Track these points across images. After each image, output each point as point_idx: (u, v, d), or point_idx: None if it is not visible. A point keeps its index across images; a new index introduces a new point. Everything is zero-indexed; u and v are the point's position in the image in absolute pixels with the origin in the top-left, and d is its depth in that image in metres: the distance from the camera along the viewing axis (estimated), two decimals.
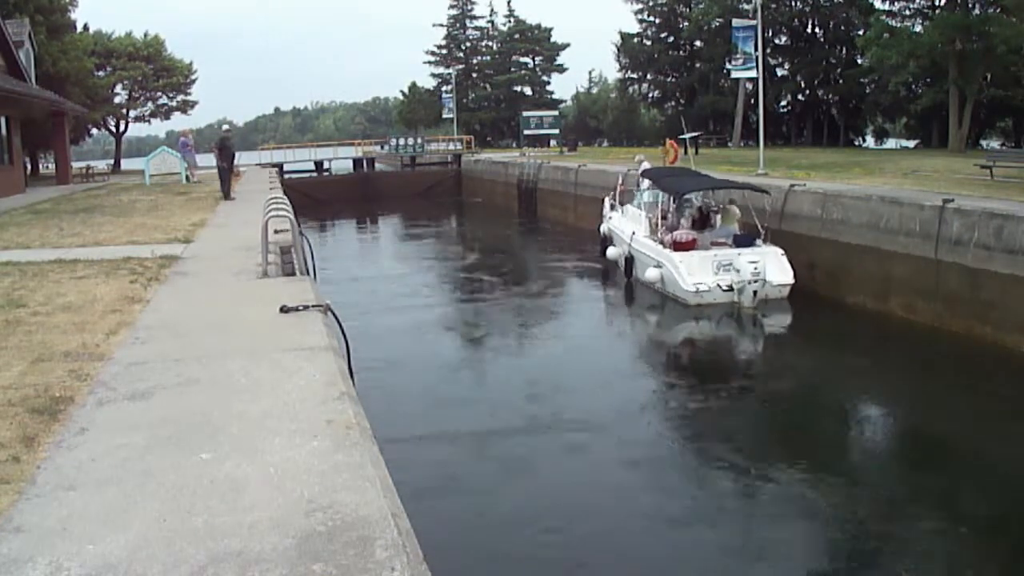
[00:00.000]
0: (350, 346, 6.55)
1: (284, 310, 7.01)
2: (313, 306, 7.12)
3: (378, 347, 13.38)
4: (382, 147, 53.02)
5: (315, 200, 41.53)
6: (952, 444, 9.73)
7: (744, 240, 17.30)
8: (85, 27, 46.10)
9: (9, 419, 4.64)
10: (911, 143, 50.93)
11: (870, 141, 55.46)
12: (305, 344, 6.04)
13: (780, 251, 16.87)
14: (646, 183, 21.11)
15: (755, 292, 15.80)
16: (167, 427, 4.46)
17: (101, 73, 46.69)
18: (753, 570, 6.88)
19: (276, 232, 10.53)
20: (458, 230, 36.69)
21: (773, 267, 16.28)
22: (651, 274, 17.34)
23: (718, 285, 16.08)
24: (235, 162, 21.86)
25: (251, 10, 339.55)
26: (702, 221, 18.77)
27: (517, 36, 68.61)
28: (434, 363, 13.24)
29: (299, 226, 10.60)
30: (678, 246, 17.16)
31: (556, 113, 56.97)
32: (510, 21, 69.27)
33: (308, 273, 10.32)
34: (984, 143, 43.09)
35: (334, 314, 6.94)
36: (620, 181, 23.72)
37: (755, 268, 15.88)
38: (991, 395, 11.24)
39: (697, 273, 16.31)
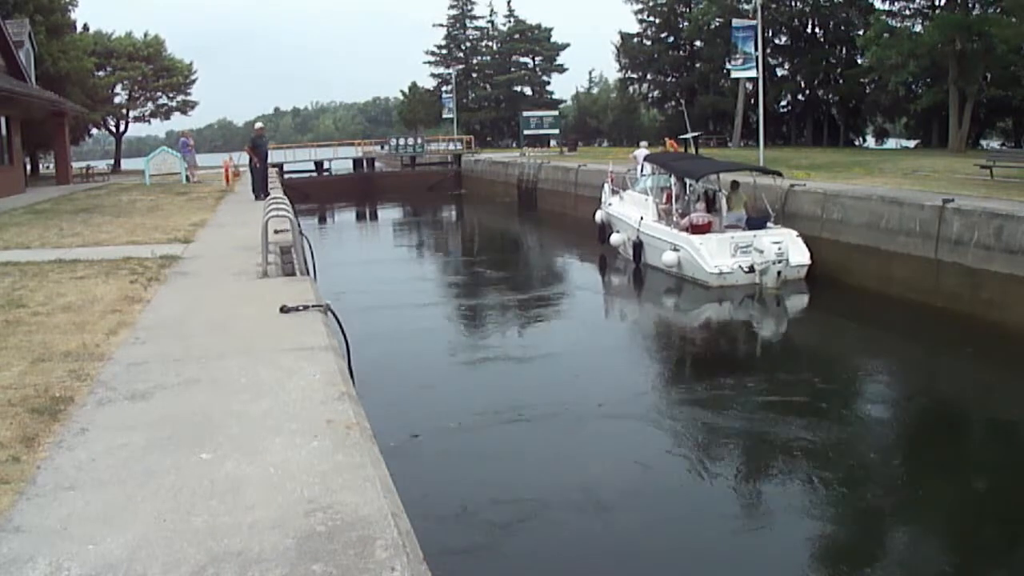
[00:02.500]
0: (350, 346, 6.54)
1: (284, 310, 7.01)
2: (313, 306, 7.13)
3: (383, 332, 13.43)
4: (382, 147, 53.06)
5: (315, 200, 41.67)
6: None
7: (757, 223, 17.44)
8: (85, 27, 46.13)
9: (9, 419, 4.64)
10: (911, 143, 50.94)
11: (870, 141, 55.50)
12: (305, 344, 6.04)
13: (795, 233, 17.11)
14: (649, 168, 21.19)
15: (779, 272, 16.03)
16: (167, 427, 4.46)
17: (101, 73, 46.71)
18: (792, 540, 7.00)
19: (276, 232, 10.54)
20: (458, 224, 36.88)
21: (791, 248, 16.53)
22: (668, 258, 17.41)
23: (739, 267, 16.33)
24: (267, 160, 21.12)
25: (251, 10, 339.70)
26: (707, 206, 18.93)
27: (517, 36, 68.65)
28: (451, 355, 13.19)
29: (299, 225, 10.60)
30: (695, 229, 17.33)
31: (556, 113, 57.00)
32: (510, 21, 69.36)
33: (308, 273, 10.32)
34: (984, 143, 43.11)
35: (334, 314, 6.94)
36: (610, 169, 24.06)
37: (779, 248, 16.11)
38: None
39: (717, 255, 16.55)
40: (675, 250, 17.38)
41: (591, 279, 21.67)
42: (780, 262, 16.00)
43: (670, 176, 19.70)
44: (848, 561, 6.67)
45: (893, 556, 6.86)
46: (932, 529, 7.50)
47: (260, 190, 20.38)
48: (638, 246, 19.26)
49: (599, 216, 22.91)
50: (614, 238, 21.02)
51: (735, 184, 19.13)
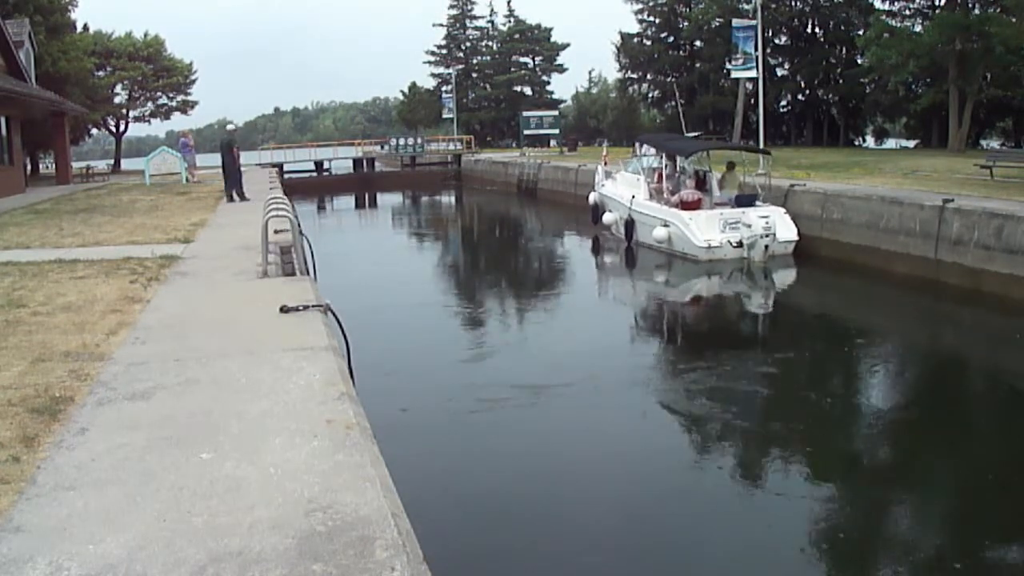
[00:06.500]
0: (350, 345, 6.54)
1: (284, 310, 7.01)
2: (313, 306, 7.13)
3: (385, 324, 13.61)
4: (382, 147, 53.08)
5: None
6: None
7: (745, 201, 17.90)
8: (85, 27, 46.05)
9: (9, 419, 4.64)
10: (911, 143, 50.88)
11: (870, 141, 55.43)
12: (305, 344, 6.04)
13: (783, 210, 17.63)
14: (643, 149, 21.99)
15: (766, 247, 16.55)
16: (167, 427, 4.46)
17: (101, 73, 46.65)
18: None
19: (276, 232, 10.54)
20: (457, 213, 37.34)
21: (779, 224, 16.97)
22: (659, 233, 17.89)
23: (728, 242, 16.78)
24: (232, 161, 21.29)
25: (251, 10, 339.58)
26: (698, 186, 19.38)
27: (517, 36, 68.57)
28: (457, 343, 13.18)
29: (299, 225, 10.60)
30: (686, 205, 17.86)
31: (556, 113, 57.03)
32: (510, 21, 69.26)
33: (308, 273, 10.32)
34: (984, 143, 43.09)
35: (334, 314, 6.94)
36: (604, 152, 25.10)
37: (766, 223, 16.61)
38: None
39: (706, 230, 17.01)
40: (666, 226, 17.85)
41: (586, 257, 22.43)
42: (767, 236, 16.52)
43: (661, 157, 20.18)
44: (854, 538, 6.65)
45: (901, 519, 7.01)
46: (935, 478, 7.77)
47: (234, 190, 20.38)
48: (630, 224, 19.83)
49: (592, 198, 23.54)
50: (607, 217, 21.63)
51: (731, 164, 19.62)
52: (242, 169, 21.55)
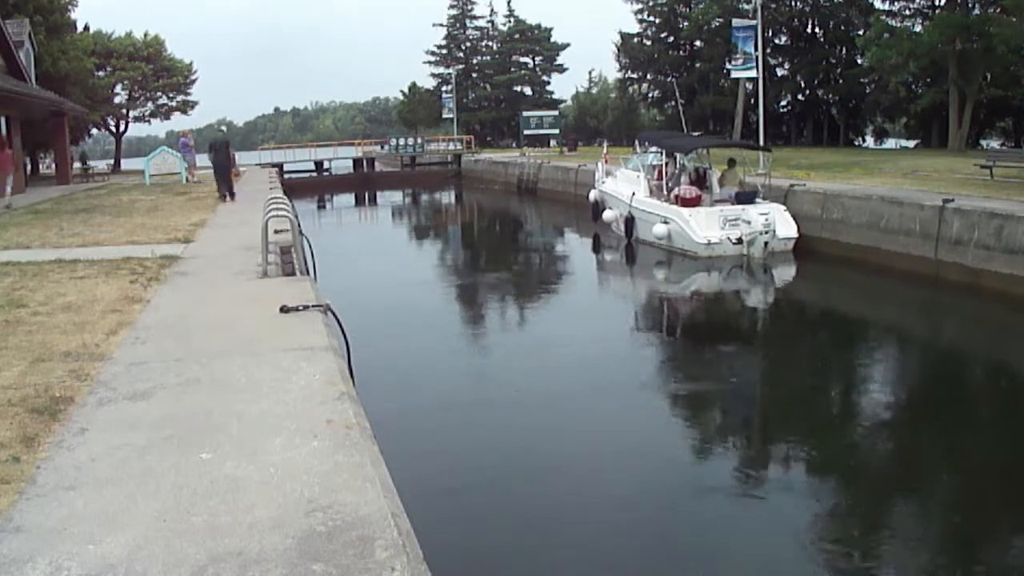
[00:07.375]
0: (350, 345, 6.54)
1: (284, 310, 7.01)
2: (313, 306, 7.13)
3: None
4: (382, 147, 53.12)
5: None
6: None
7: (745, 198, 17.96)
8: (85, 27, 46.07)
9: (9, 419, 4.64)
10: (911, 143, 50.87)
11: (870, 141, 55.42)
12: (305, 344, 6.04)
13: (783, 207, 17.66)
14: (644, 146, 22.24)
15: (766, 243, 16.64)
16: (167, 427, 4.46)
17: (101, 73, 46.68)
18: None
19: (276, 232, 10.54)
20: (458, 207, 37.52)
21: (778, 221, 17.06)
22: (659, 230, 18.04)
23: (728, 238, 16.84)
24: (229, 162, 21.38)
25: (251, 10, 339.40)
26: (698, 183, 19.45)
27: (517, 36, 68.61)
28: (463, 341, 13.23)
29: (299, 225, 10.60)
30: (685, 202, 17.97)
31: (556, 113, 57.09)
32: (510, 21, 69.30)
33: (308, 273, 10.32)
34: (984, 143, 43.09)
35: (334, 314, 6.94)
36: (605, 150, 25.29)
37: (766, 220, 16.71)
38: None
39: (706, 227, 17.09)
40: (666, 223, 17.97)
41: (586, 254, 22.68)
42: (766, 233, 16.59)
43: (661, 154, 20.31)
44: (855, 536, 6.63)
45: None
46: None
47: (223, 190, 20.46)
48: (630, 221, 19.97)
49: (593, 195, 23.74)
50: (607, 214, 21.79)
51: (732, 161, 19.73)
52: (234, 169, 21.69)
